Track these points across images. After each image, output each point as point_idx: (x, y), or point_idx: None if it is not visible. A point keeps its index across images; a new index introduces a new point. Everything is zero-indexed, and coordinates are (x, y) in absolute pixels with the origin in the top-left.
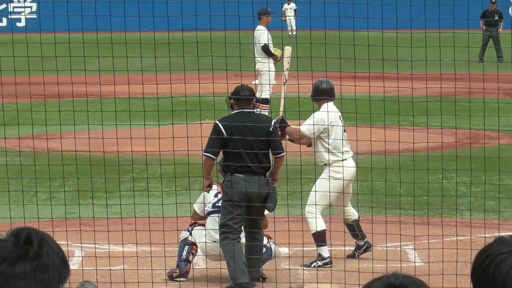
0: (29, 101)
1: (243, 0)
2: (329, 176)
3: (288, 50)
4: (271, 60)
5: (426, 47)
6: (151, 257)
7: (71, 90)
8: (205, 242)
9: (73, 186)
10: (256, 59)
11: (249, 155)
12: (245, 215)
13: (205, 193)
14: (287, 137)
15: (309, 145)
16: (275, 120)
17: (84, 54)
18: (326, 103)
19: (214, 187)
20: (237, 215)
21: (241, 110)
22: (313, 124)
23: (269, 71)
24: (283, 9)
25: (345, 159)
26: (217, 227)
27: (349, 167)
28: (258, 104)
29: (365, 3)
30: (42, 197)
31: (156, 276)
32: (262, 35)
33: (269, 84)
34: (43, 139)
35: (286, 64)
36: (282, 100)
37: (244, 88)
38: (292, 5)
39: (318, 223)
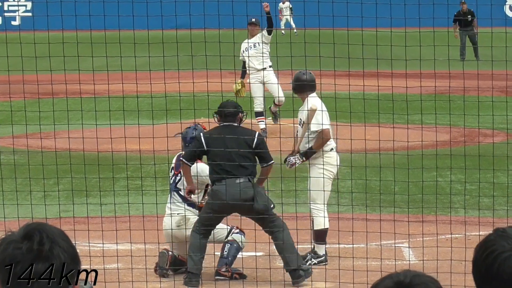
0: (23, 99)
1: None
2: (323, 166)
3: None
4: (256, 73)
5: (421, 46)
6: (145, 255)
7: (65, 88)
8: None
9: (68, 184)
10: (254, 61)
11: (230, 162)
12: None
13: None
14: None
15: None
16: (295, 157)
17: (78, 52)
18: (310, 94)
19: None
20: (212, 224)
21: (224, 124)
22: (321, 118)
23: (254, 83)
24: (278, 8)
25: (334, 147)
26: (171, 202)
27: (336, 153)
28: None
29: (359, 2)
30: (36, 196)
31: (150, 274)
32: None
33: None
34: (37, 137)
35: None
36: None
37: (229, 104)
38: (287, 3)
39: (320, 221)
